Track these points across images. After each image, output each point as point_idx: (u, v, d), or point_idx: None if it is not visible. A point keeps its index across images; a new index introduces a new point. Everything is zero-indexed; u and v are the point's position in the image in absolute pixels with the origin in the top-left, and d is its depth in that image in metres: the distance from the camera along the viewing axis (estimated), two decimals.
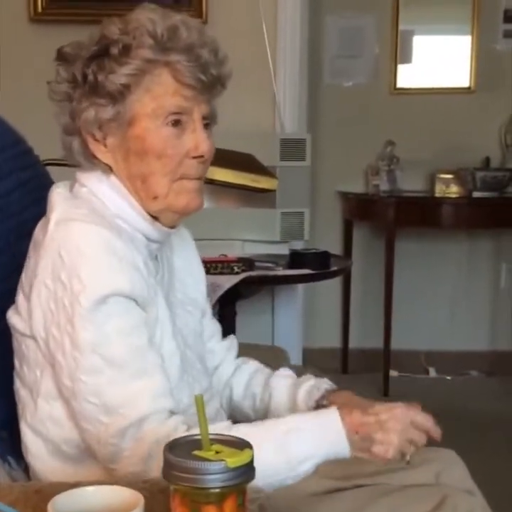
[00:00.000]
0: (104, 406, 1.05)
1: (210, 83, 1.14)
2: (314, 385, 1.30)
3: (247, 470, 0.74)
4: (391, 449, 1.08)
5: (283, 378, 1.35)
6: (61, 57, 1.15)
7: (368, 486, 1.23)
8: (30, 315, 1.10)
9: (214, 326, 1.38)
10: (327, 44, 3.81)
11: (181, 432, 1.03)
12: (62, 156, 1.20)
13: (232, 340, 1.41)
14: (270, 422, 1.11)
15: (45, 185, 1.47)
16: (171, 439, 0.97)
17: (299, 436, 1.06)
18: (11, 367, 1.20)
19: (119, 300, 1.06)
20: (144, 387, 1.06)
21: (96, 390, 1.05)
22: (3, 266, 1.32)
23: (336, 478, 1.25)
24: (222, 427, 1.04)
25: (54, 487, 0.87)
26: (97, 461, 1.11)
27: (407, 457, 1.11)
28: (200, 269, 1.36)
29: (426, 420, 1.13)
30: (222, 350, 1.38)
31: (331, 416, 1.08)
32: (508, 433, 3.09)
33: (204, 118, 1.15)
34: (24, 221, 1.37)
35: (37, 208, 1.39)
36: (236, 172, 2.32)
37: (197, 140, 1.14)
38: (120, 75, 1.10)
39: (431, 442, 1.15)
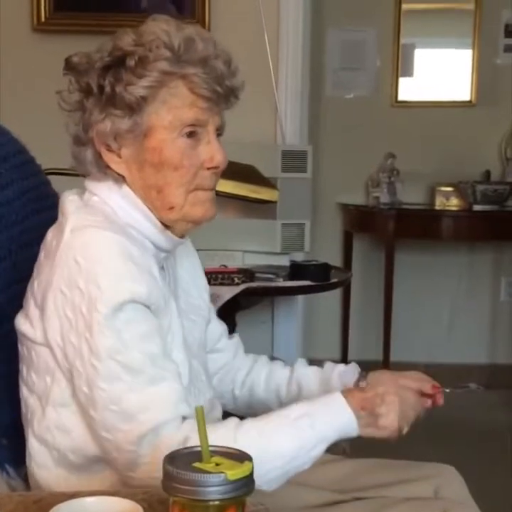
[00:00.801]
0: (123, 413, 1.05)
1: (225, 94, 1.15)
2: (345, 370, 1.35)
3: (247, 482, 0.74)
4: (395, 420, 1.12)
5: (307, 367, 1.38)
6: (70, 67, 1.15)
7: (367, 499, 1.23)
8: (44, 323, 1.10)
9: (221, 326, 1.40)
10: (329, 57, 3.83)
11: (195, 438, 1.03)
12: (69, 165, 1.20)
13: (238, 340, 1.43)
14: (278, 413, 1.13)
15: (46, 194, 1.48)
16: (187, 444, 1.00)
17: (310, 421, 1.09)
18: (15, 373, 1.20)
19: (136, 307, 1.07)
20: (162, 393, 1.07)
21: (115, 397, 1.05)
22: (4, 275, 1.33)
23: (335, 490, 1.25)
24: (232, 425, 1.08)
25: (53, 497, 0.86)
26: (103, 471, 1.11)
27: (406, 428, 1.15)
28: (203, 278, 1.36)
29: (420, 382, 1.20)
30: (232, 346, 1.40)
31: (336, 398, 1.12)
32: (506, 446, 3.08)
33: (217, 129, 1.17)
34: (25, 230, 1.38)
35: (38, 217, 1.40)
36: (237, 183, 2.33)
37: (212, 151, 1.15)
38: (139, 87, 1.10)
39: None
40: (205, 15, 2.89)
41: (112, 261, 1.06)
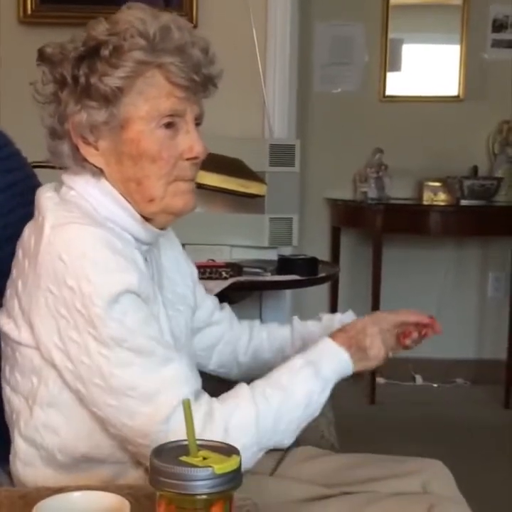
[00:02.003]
0: (144, 395, 1.05)
1: (202, 83, 1.13)
2: (344, 317, 1.40)
3: (235, 476, 0.73)
4: (382, 348, 1.22)
5: (306, 323, 1.44)
6: (44, 57, 1.12)
7: (355, 494, 1.23)
8: (34, 325, 1.07)
9: (212, 300, 1.42)
10: (317, 51, 3.82)
11: (218, 407, 1.08)
12: (46, 158, 1.18)
13: (228, 308, 1.46)
14: (281, 368, 1.17)
15: (32, 187, 1.45)
16: (213, 415, 1.06)
17: (313, 368, 1.15)
18: None
19: (130, 296, 1.06)
20: (175, 371, 1.07)
21: (132, 382, 1.05)
22: None
23: (323, 485, 1.25)
24: (246, 392, 1.11)
25: (39, 492, 0.86)
26: (90, 470, 1.11)
27: (390, 354, 1.26)
28: (187, 264, 1.36)
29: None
30: (226, 317, 1.43)
31: (326, 343, 1.20)
32: (493, 440, 3.10)
33: (195, 118, 1.15)
34: (10, 224, 1.36)
35: (24, 210, 1.38)
36: (225, 177, 2.31)
37: (191, 141, 1.13)
38: (114, 78, 1.08)
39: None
40: (193, 8, 2.88)
41: (98, 254, 1.05)
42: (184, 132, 1.13)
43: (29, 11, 2.87)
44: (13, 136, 1.47)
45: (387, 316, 1.32)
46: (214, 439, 1.01)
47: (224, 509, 0.73)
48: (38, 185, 1.48)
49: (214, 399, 1.10)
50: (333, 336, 1.22)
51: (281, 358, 1.39)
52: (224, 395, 1.12)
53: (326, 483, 1.25)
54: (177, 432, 1.02)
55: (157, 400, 1.05)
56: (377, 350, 1.21)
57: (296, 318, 1.47)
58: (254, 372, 1.38)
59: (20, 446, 1.14)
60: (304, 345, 1.35)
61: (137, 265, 1.10)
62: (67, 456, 1.11)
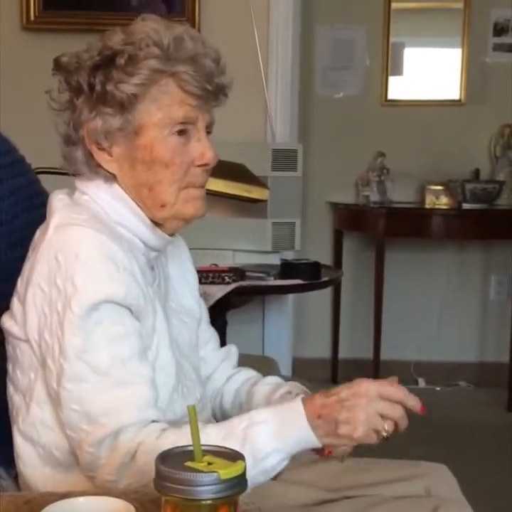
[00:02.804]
0: (86, 414, 1.05)
1: (214, 92, 1.15)
2: (289, 390, 1.26)
3: (240, 481, 0.74)
4: (359, 427, 1.01)
5: (265, 386, 1.31)
6: (60, 66, 1.15)
7: (358, 497, 1.23)
8: (25, 318, 1.10)
9: (210, 333, 1.37)
10: (318, 55, 3.83)
11: (153, 439, 1.02)
12: (59, 165, 1.20)
13: (229, 350, 1.39)
14: (234, 420, 1.06)
15: (36, 193, 1.47)
16: (144, 446, 1.00)
17: (260, 430, 1.01)
18: (1, 373, 1.19)
19: (111, 307, 1.06)
20: (127, 396, 1.05)
21: (79, 398, 1.05)
22: None
23: (326, 489, 1.25)
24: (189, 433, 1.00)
25: (44, 497, 0.86)
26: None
27: (384, 433, 1.03)
28: (194, 276, 1.36)
29: (396, 391, 1.04)
30: (216, 359, 1.37)
31: (292, 405, 1.04)
32: (495, 443, 3.09)
33: (206, 127, 1.17)
34: (15, 229, 1.37)
35: (29, 216, 1.39)
36: (228, 182, 2.32)
37: (203, 148, 1.15)
38: (130, 85, 1.10)
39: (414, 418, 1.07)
40: (195, 14, 2.89)
41: (89, 260, 1.06)
42: (196, 139, 1.15)
43: (32, 17, 2.88)
44: (16, 142, 1.48)
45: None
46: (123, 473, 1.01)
47: None
48: (42, 190, 1.48)
49: (155, 433, 1.04)
50: (307, 399, 1.05)
51: (237, 414, 1.18)
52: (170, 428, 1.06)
53: (329, 487, 1.26)
54: (104, 459, 1.04)
55: (96, 421, 1.04)
56: (350, 430, 1.01)
57: (268, 378, 1.33)
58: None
59: (19, 444, 1.15)
60: (249, 408, 1.24)
61: (132, 274, 1.10)
62: (64, 453, 1.12)
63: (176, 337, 1.21)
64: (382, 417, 1.03)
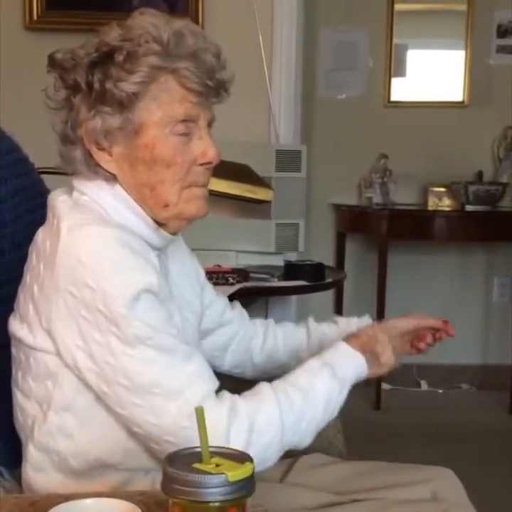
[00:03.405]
0: (169, 392, 1.05)
1: (215, 88, 1.13)
2: (360, 322, 1.44)
3: (248, 484, 0.73)
4: (392, 355, 1.24)
5: (322, 325, 1.47)
6: (55, 63, 1.12)
7: (365, 501, 1.22)
8: (50, 329, 1.07)
9: (222, 300, 1.42)
10: (321, 57, 3.83)
11: (242, 403, 1.08)
12: (56, 164, 1.17)
13: (239, 306, 1.46)
14: (300, 369, 1.18)
15: (40, 193, 1.46)
16: (236, 411, 1.07)
17: (331, 369, 1.17)
18: (3, 376, 1.18)
19: (149, 296, 1.06)
20: (198, 367, 1.08)
21: (156, 380, 1.05)
22: None
23: (333, 492, 1.24)
24: (268, 392, 1.11)
25: (49, 499, 0.85)
26: (101, 477, 1.10)
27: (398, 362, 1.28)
28: (194, 269, 1.35)
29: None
30: (237, 316, 1.43)
31: (342, 346, 1.22)
32: (498, 446, 3.08)
33: (208, 124, 1.15)
34: (18, 229, 1.36)
35: (32, 216, 1.38)
36: (232, 182, 2.32)
37: (205, 147, 1.13)
38: (130, 83, 1.08)
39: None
40: (199, 15, 2.88)
41: (117, 254, 1.05)
42: (197, 138, 1.13)
43: (35, 17, 2.88)
44: (20, 142, 1.47)
45: (399, 321, 1.34)
46: (240, 435, 1.05)
47: None
48: (46, 190, 1.47)
49: (236, 396, 1.10)
50: (347, 340, 1.24)
51: (296, 359, 1.41)
52: (246, 393, 1.12)
53: (337, 490, 1.25)
54: (214, 420, 1.03)
55: (183, 396, 1.05)
56: (388, 357, 1.24)
57: (311, 320, 1.49)
58: (269, 373, 1.40)
59: (31, 452, 1.13)
60: (319, 349, 1.34)
61: (154, 265, 1.10)
62: (79, 460, 1.11)
63: (182, 332, 1.21)
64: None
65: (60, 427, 1.10)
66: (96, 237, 1.06)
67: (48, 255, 1.08)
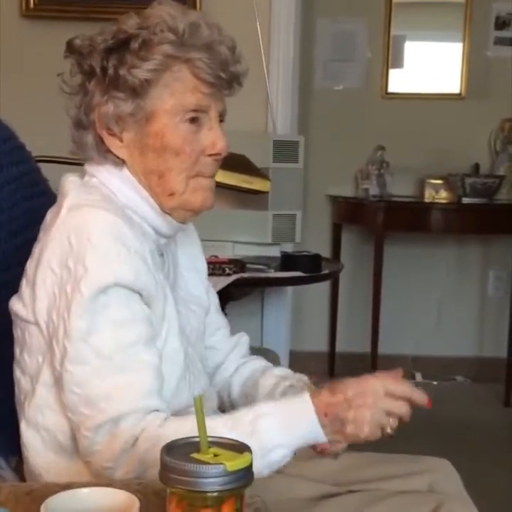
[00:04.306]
0: (86, 398, 1.04)
1: (228, 80, 1.14)
2: (292, 383, 1.26)
3: (246, 474, 0.73)
4: (365, 426, 1.03)
5: (271, 377, 1.30)
6: (73, 49, 1.14)
7: (362, 492, 1.22)
8: (33, 300, 1.09)
9: (221, 320, 1.37)
10: (319, 48, 3.81)
11: (155, 427, 1.01)
12: (70, 149, 1.18)
13: (239, 339, 1.39)
14: (240, 411, 1.05)
15: (36, 181, 1.46)
16: (146, 433, 0.99)
17: (267, 423, 1.01)
18: (6, 359, 1.18)
19: (120, 291, 1.05)
20: (128, 383, 1.04)
21: (80, 381, 1.04)
22: None
23: (330, 483, 1.24)
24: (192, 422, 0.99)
25: (46, 488, 0.85)
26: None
27: (389, 430, 1.04)
28: (204, 265, 1.35)
29: (402, 388, 1.05)
30: (227, 347, 1.36)
31: (299, 400, 1.04)
32: (492, 438, 3.09)
33: (219, 115, 1.16)
34: (15, 217, 1.36)
35: (29, 204, 1.38)
36: (229, 173, 2.30)
37: (214, 138, 1.14)
38: (143, 70, 1.09)
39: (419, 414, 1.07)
40: (196, 5, 2.87)
41: (101, 242, 1.05)
42: (207, 128, 1.14)
43: (31, 5, 2.86)
44: (16, 130, 1.46)
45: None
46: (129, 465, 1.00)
47: (235, 507, 0.72)
48: (42, 179, 1.47)
49: (158, 421, 1.03)
50: (315, 396, 1.05)
51: (244, 404, 1.18)
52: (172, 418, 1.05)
53: (333, 481, 1.25)
54: (101, 445, 1.03)
55: (96, 406, 1.03)
56: (356, 429, 1.03)
57: (275, 370, 1.33)
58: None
59: (23, 429, 1.14)
60: (255, 399, 1.24)
61: (143, 259, 1.09)
62: (67, 437, 1.11)
63: (184, 326, 1.20)
64: (388, 414, 1.04)
65: (48, 401, 1.10)
66: (88, 220, 1.06)
67: (47, 228, 1.10)
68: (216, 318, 1.36)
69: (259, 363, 1.36)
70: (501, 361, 3.58)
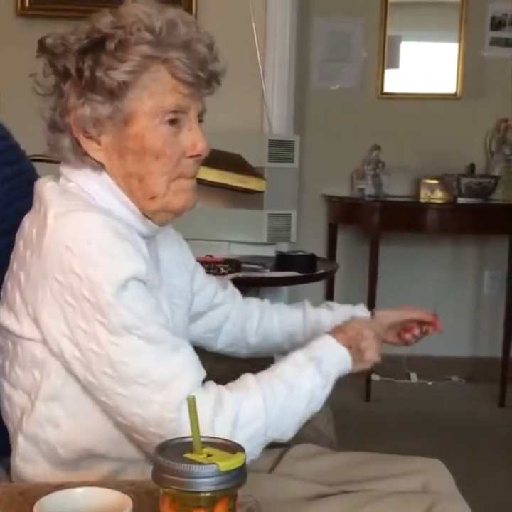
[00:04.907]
0: (155, 383, 1.03)
1: (207, 79, 1.11)
2: (354, 310, 1.47)
3: (239, 474, 0.73)
4: (377, 352, 1.25)
5: (319, 311, 1.48)
6: (45, 48, 1.10)
7: (356, 492, 1.22)
8: (35, 316, 1.06)
9: (214, 282, 1.42)
10: (315, 47, 3.81)
11: (227, 395, 1.08)
12: (44, 151, 1.16)
13: (231, 286, 1.47)
14: (287, 359, 1.18)
15: (31, 180, 1.44)
16: (222, 401, 1.07)
17: (316, 364, 1.17)
18: None
19: (138, 284, 1.05)
20: (186, 358, 1.07)
21: (143, 370, 1.03)
22: None
23: (323, 483, 1.24)
24: (252, 382, 1.11)
25: (39, 488, 0.85)
26: (90, 468, 1.09)
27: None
28: (183, 255, 1.34)
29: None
30: (230, 296, 1.44)
31: (328, 340, 1.22)
32: (487, 439, 3.10)
33: (198, 115, 1.14)
34: (8, 217, 1.35)
35: (22, 203, 1.36)
36: (224, 172, 2.31)
37: (194, 139, 1.12)
38: (121, 72, 1.06)
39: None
40: (192, 4, 2.86)
41: (105, 240, 1.04)
42: (187, 129, 1.12)
43: (27, 4, 2.86)
44: (11, 129, 1.46)
45: (388, 313, 1.39)
46: (224, 427, 1.04)
47: (228, 507, 0.72)
48: (37, 178, 1.46)
49: (222, 387, 1.10)
50: (333, 334, 1.24)
51: (290, 342, 1.44)
52: (231, 384, 1.12)
53: (326, 481, 1.25)
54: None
55: (169, 387, 1.04)
56: (372, 354, 1.24)
57: (307, 304, 1.50)
58: (263, 353, 1.43)
59: (20, 443, 1.12)
60: (313, 335, 1.36)
61: (143, 253, 1.09)
62: (68, 450, 1.10)
63: (171, 319, 1.20)
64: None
65: (49, 416, 1.09)
66: (83, 223, 1.05)
67: (35, 242, 1.07)
68: (210, 283, 1.41)
69: (274, 305, 1.53)
70: (496, 361, 3.59)
